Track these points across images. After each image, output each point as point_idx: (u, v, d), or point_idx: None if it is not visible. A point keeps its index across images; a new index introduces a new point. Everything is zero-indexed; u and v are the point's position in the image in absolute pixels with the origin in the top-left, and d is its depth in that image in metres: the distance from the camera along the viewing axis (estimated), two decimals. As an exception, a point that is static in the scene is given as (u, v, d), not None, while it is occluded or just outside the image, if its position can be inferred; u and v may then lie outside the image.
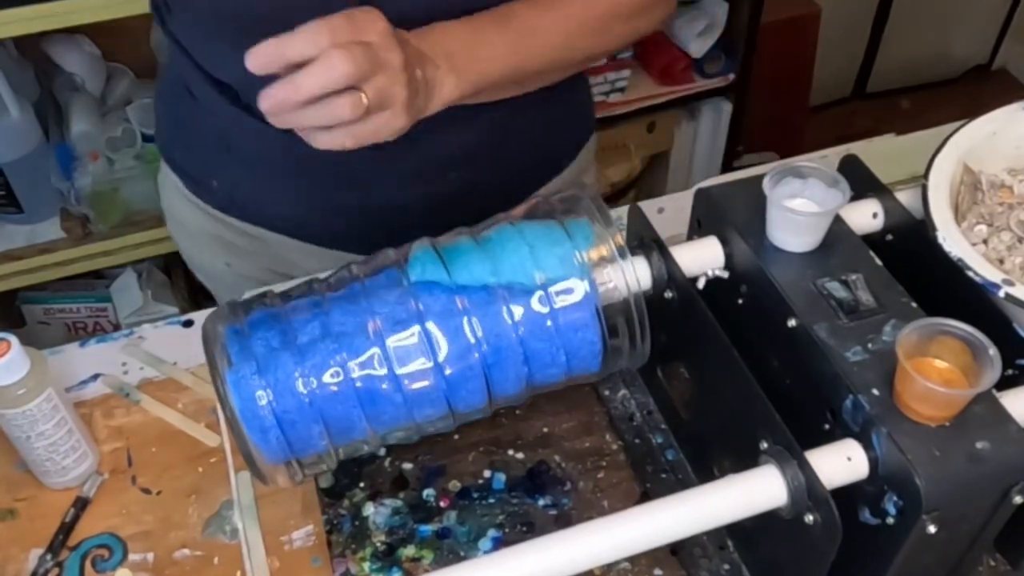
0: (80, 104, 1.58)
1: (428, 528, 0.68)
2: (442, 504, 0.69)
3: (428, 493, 0.70)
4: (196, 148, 0.89)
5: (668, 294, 0.63)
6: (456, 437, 0.73)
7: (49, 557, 0.67)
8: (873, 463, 0.52)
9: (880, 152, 0.96)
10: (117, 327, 1.72)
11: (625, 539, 0.51)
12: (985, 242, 0.66)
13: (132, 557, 0.67)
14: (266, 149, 0.81)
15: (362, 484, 0.70)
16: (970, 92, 2.49)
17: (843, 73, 2.43)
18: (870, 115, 2.42)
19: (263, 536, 0.68)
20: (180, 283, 1.81)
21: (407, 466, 0.72)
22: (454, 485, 0.70)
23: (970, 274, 0.60)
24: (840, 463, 0.52)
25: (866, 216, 0.66)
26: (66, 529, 0.69)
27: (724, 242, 0.65)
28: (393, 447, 0.72)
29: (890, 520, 0.52)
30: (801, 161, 0.62)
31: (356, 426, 0.58)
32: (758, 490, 0.52)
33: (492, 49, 0.69)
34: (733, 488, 0.53)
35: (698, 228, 0.68)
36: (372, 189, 0.81)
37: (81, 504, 0.70)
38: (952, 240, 0.62)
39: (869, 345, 0.56)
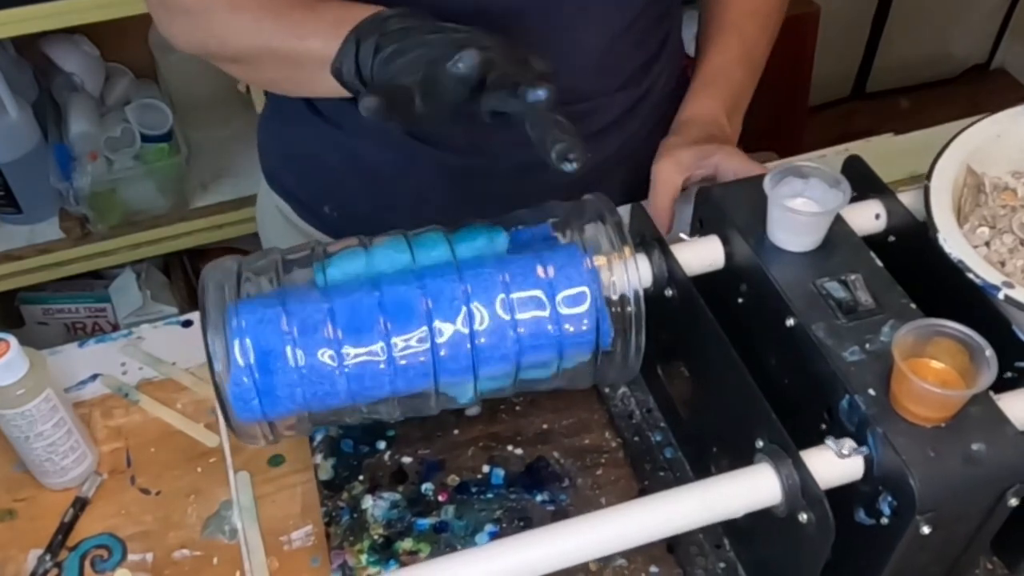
0: (79, 104, 1.58)
1: (426, 522, 0.68)
2: (440, 498, 0.69)
3: (427, 487, 0.70)
4: (312, 174, 0.91)
5: (668, 292, 0.63)
6: (456, 432, 0.73)
7: (48, 557, 0.67)
8: (868, 463, 0.52)
9: (879, 152, 0.96)
10: (116, 327, 1.72)
11: (619, 533, 0.52)
12: (987, 244, 0.66)
13: (131, 557, 0.67)
14: (406, 167, 0.83)
15: (361, 477, 0.71)
16: (969, 92, 2.49)
17: (842, 73, 2.43)
18: (869, 115, 2.42)
19: (262, 536, 0.68)
20: (179, 283, 1.81)
21: (406, 460, 0.72)
22: (453, 480, 0.70)
23: (970, 276, 0.60)
24: (835, 463, 0.52)
25: (868, 217, 0.66)
26: (65, 529, 0.69)
27: (725, 241, 0.65)
28: (393, 441, 0.72)
29: (885, 520, 0.52)
30: (802, 161, 0.62)
31: (335, 389, 0.59)
32: (752, 488, 0.52)
33: (745, 90, 0.88)
34: (727, 485, 0.53)
35: (700, 227, 0.68)
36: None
37: (80, 504, 0.70)
38: (953, 242, 0.62)
39: (867, 345, 0.56)
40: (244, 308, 0.57)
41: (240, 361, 0.56)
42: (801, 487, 0.51)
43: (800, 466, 0.51)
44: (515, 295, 0.59)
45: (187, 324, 0.82)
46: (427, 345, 0.58)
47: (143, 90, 1.67)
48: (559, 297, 0.59)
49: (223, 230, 1.65)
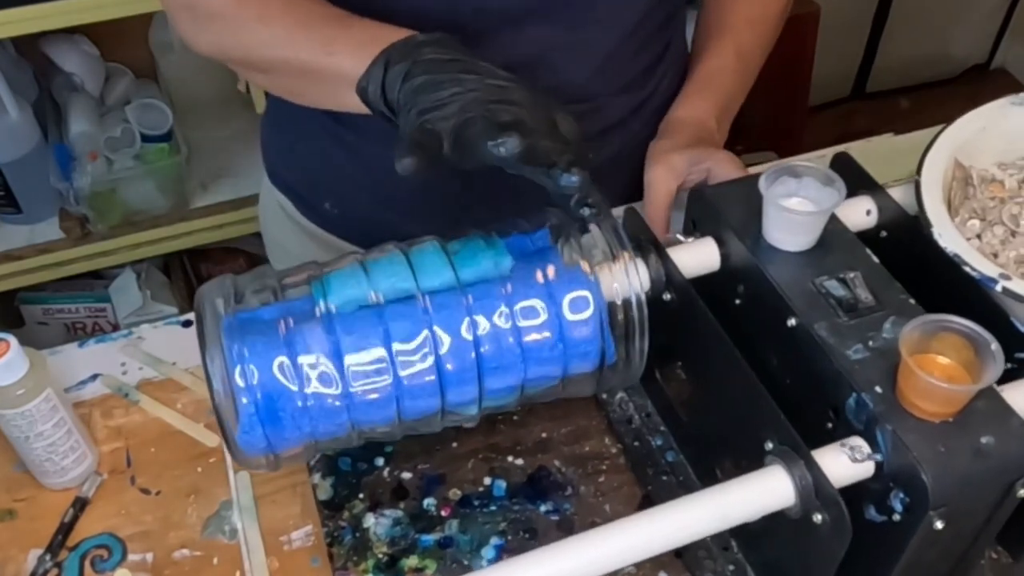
0: (79, 104, 1.58)
1: (430, 538, 0.67)
2: (443, 513, 0.68)
3: (428, 502, 0.69)
4: (312, 170, 0.91)
5: (667, 296, 0.63)
6: (455, 445, 0.72)
7: (48, 557, 0.67)
8: (878, 461, 0.52)
9: (878, 152, 0.96)
10: (116, 327, 1.72)
11: (635, 544, 0.51)
12: (979, 236, 0.66)
13: (131, 557, 0.67)
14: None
15: (361, 495, 0.70)
16: (969, 92, 2.49)
17: (842, 73, 2.43)
18: (869, 115, 2.42)
19: (262, 536, 0.68)
20: (179, 283, 1.81)
21: (406, 475, 0.71)
22: (454, 493, 0.70)
23: (967, 269, 0.60)
24: (847, 461, 0.52)
25: (859, 213, 0.66)
26: (65, 529, 0.69)
27: (720, 242, 0.65)
28: (391, 457, 0.72)
29: (896, 517, 0.52)
30: (798, 160, 0.62)
31: (340, 417, 0.58)
32: (766, 491, 0.52)
33: (736, 96, 0.88)
34: (741, 490, 0.52)
35: (692, 229, 0.68)
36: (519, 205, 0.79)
37: (80, 504, 0.70)
38: (948, 236, 0.62)
39: (870, 343, 0.56)
40: (249, 345, 0.56)
41: (246, 401, 0.56)
42: (814, 488, 0.51)
43: (813, 466, 0.51)
44: (519, 313, 0.59)
45: (187, 324, 0.82)
46: (434, 373, 0.58)
47: (143, 90, 1.67)
48: (564, 312, 0.59)
49: (223, 230, 1.65)
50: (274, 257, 1.04)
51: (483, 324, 0.58)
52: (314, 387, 0.56)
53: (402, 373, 0.57)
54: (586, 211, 0.57)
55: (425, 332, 0.57)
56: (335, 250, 0.94)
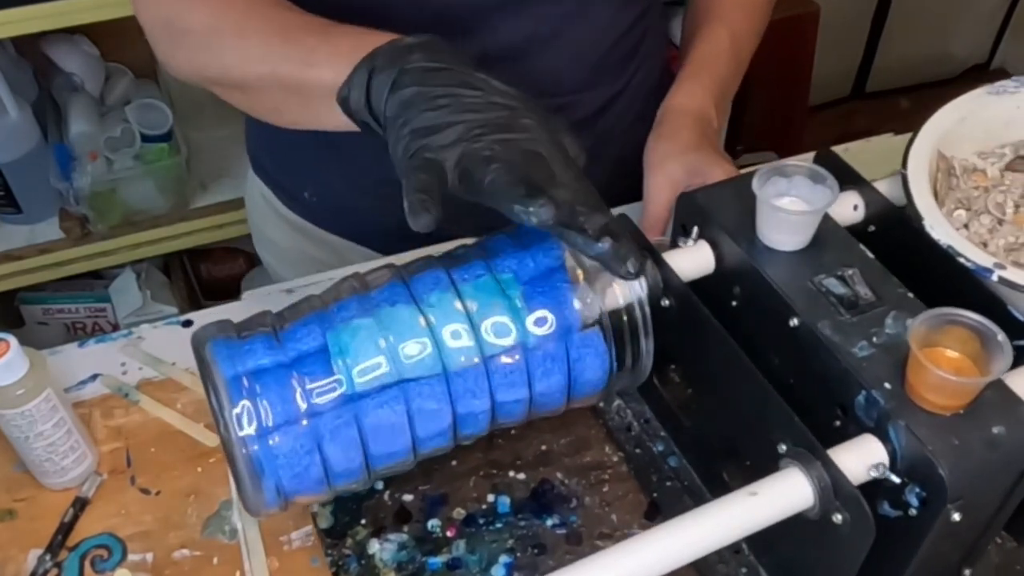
0: (79, 104, 1.57)
1: (438, 560, 0.66)
2: (449, 534, 0.67)
3: (433, 524, 0.68)
4: (291, 158, 0.91)
5: (665, 302, 0.62)
6: (454, 463, 0.71)
7: (48, 557, 0.67)
8: (892, 456, 0.52)
9: (879, 152, 0.96)
10: (116, 327, 1.72)
11: (659, 559, 0.50)
12: (966, 226, 0.66)
13: (131, 557, 0.67)
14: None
15: (363, 521, 0.68)
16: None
17: (842, 72, 2.43)
18: (869, 115, 2.42)
19: (262, 536, 0.68)
20: (179, 283, 1.81)
21: (407, 498, 0.69)
22: (458, 513, 0.68)
23: (961, 260, 0.60)
24: (862, 460, 0.52)
25: (847, 209, 0.66)
26: (65, 529, 0.69)
27: (713, 245, 0.64)
28: (391, 479, 0.70)
29: (912, 512, 0.52)
30: (786, 161, 0.62)
31: (356, 457, 0.57)
32: (783, 494, 0.52)
33: (732, 81, 0.87)
34: (759, 496, 0.52)
35: (683, 233, 0.68)
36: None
37: (80, 504, 0.70)
38: (940, 228, 0.62)
39: (874, 339, 0.56)
40: (270, 424, 0.55)
41: (273, 488, 0.55)
42: (833, 488, 0.51)
43: (830, 467, 0.51)
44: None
45: (187, 324, 0.82)
46: (450, 417, 0.58)
47: (143, 90, 1.67)
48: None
49: (223, 230, 1.65)
50: (260, 247, 1.04)
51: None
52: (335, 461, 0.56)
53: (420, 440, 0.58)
54: (629, 267, 0.54)
55: (450, 412, 0.57)
56: (317, 240, 0.94)
